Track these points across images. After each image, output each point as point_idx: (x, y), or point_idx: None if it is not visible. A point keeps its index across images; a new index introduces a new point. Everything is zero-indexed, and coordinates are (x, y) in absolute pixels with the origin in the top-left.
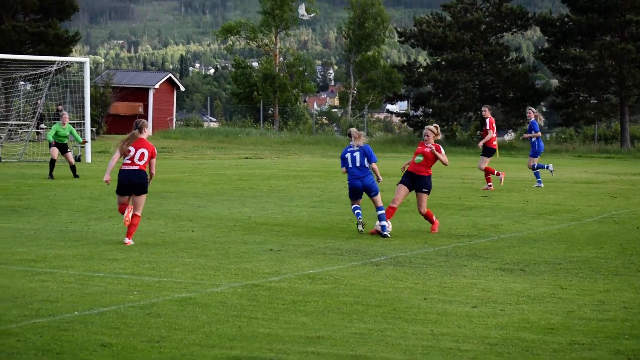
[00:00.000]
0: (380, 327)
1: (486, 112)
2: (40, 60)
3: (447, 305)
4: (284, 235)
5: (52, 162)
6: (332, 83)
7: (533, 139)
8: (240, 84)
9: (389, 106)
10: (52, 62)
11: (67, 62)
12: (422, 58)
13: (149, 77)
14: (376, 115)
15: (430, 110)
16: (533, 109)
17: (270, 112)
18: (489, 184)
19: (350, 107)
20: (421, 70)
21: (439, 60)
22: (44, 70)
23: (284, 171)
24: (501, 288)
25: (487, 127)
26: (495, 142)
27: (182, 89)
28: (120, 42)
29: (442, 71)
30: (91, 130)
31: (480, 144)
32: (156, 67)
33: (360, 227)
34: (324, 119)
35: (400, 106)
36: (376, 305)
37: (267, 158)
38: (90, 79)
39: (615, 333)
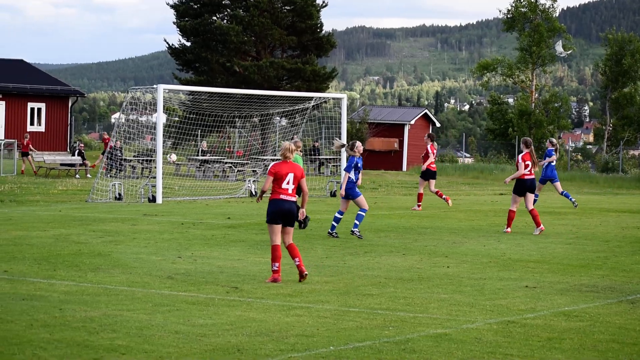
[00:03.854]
0: None
1: (426, 140)
2: (297, 96)
3: None
4: (540, 272)
5: None
6: (587, 119)
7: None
8: (495, 120)
9: None
10: (309, 98)
11: (323, 98)
12: None
13: (404, 113)
14: (631, 152)
15: None
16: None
17: None
18: (419, 203)
19: (605, 143)
20: None
21: None
22: (300, 106)
23: (539, 207)
24: None
25: (429, 151)
26: (434, 166)
27: (438, 125)
28: (376, 78)
29: None
30: None
31: (424, 167)
32: (411, 103)
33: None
34: (578, 156)
35: None
36: (632, 344)
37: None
38: (347, 115)
39: None
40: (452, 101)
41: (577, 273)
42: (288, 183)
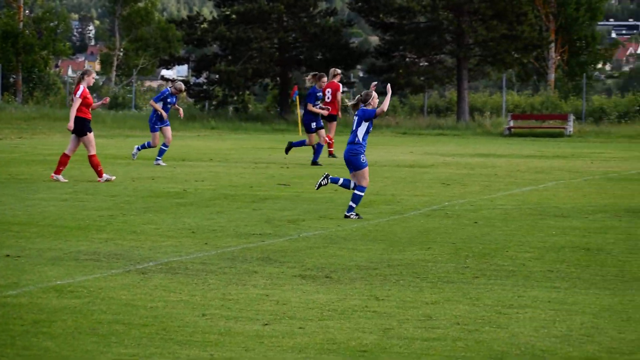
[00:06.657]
0: (145, 352)
1: None
2: None
3: (231, 323)
4: (25, 236)
5: None
6: (93, 43)
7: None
8: None
9: (164, 72)
10: None
11: None
12: (208, 10)
13: None
14: (148, 84)
15: (217, 76)
16: None
17: (11, 79)
18: None
19: (114, 73)
20: (205, 25)
21: (228, 12)
22: None
23: (28, 155)
24: (300, 300)
25: None
26: None
27: None
28: None
29: (231, 27)
30: None
31: None
32: None
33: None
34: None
35: (179, 72)
36: (141, 325)
37: (6, 138)
38: None
39: (444, 356)
40: None
41: (74, 237)
42: None
